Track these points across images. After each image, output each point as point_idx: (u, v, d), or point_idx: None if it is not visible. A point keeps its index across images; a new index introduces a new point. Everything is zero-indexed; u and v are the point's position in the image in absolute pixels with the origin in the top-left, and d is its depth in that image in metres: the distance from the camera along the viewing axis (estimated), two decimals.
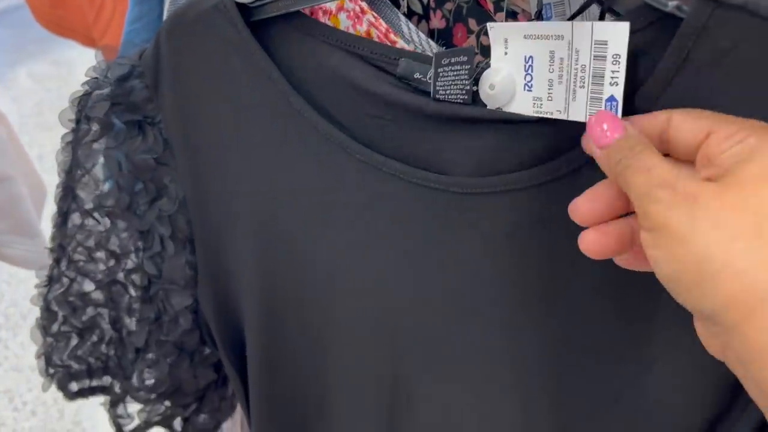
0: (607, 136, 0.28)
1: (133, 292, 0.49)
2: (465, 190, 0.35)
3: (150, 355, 0.51)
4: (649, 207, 0.26)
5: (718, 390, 0.34)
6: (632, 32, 0.29)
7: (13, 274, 1.80)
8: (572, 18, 0.36)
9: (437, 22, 0.48)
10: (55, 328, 0.51)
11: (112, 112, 0.45)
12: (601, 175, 0.29)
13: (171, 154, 0.45)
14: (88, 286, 0.50)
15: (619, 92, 0.29)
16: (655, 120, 0.28)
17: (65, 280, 0.50)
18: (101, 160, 0.46)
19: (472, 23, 0.46)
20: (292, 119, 0.39)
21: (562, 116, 0.30)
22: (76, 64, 2.44)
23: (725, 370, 0.28)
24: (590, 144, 0.29)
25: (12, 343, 1.61)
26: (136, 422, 0.54)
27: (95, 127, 0.45)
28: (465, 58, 0.32)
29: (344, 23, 0.42)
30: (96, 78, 0.45)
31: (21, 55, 2.52)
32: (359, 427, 0.46)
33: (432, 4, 0.47)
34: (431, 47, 0.37)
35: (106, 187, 0.47)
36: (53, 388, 0.55)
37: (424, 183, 0.36)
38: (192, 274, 0.48)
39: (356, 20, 0.41)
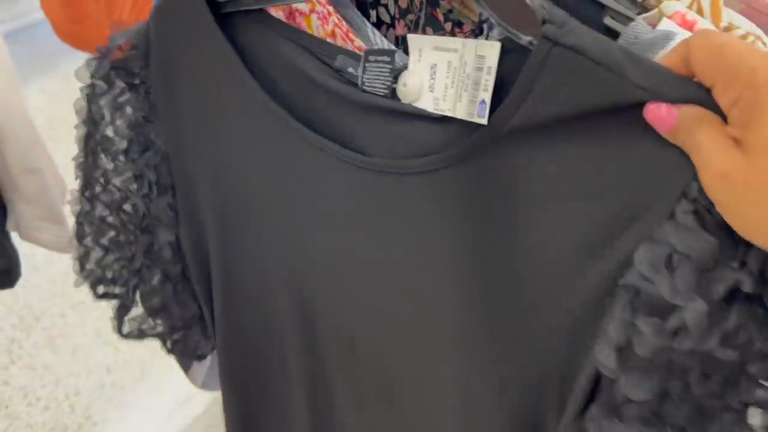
0: (664, 123, 0.33)
1: (133, 220, 0.60)
2: (381, 169, 0.43)
3: (144, 275, 0.62)
4: (703, 185, 0.32)
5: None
6: (507, 53, 0.37)
7: (27, 278, 1.90)
8: (476, 37, 0.47)
9: (401, 30, 0.57)
10: (86, 241, 0.62)
11: (115, 74, 0.54)
12: (490, 161, 0.39)
13: (156, 113, 0.55)
14: (104, 211, 0.61)
15: (488, 97, 0.38)
16: (681, 57, 0.33)
17: (87, 205, 0.61)
18: (105, 113, 0.56)
19: (429, 31, 0.55)
20: (246, 96, 0.47)
21: (452, 114, 0.40)
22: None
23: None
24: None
25: (26, 343, 1.71)
26: (132, 326, 0.66)
27: (103, 85, 0.55)
28: (388, 58, 0.41)
29: (315, 23, 0.52)
30: (107, 46, 0.55)
31: (34, 71, 2.67)
32: (307, 368, 0.55)
33: (397, 15, 0.56)
34: None
35: (110, 134, 0.57)
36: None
37: (349, 160, 0.44)
38: (173, 215, 0.58)
39: (324, 21, 0.51)
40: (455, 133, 0.41)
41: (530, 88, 0.37)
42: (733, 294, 0.34)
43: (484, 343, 0.45)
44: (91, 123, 0.57)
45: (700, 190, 0.33)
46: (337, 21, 0.50)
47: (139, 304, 0.65)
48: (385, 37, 0.54)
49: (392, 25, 0.58)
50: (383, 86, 0.41)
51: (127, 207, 0.60)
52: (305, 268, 0.52)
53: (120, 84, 0.55)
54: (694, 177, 0.34)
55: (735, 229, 0.33)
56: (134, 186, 0.58)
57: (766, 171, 0.29)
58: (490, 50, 0.38)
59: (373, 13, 0.58)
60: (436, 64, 0.41)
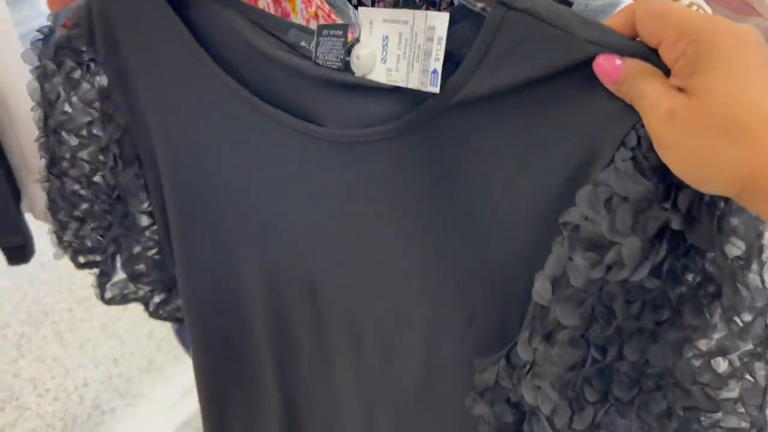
0: (611, 74, 0.35)
1: (106, 191, 0.61)
2: (336, 139, 0.44)
3: (122, 243, 0.63)
4: (648, 128, 0.35)
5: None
6: (461, 22, 0.39)
7: (35, 275, 1.97)
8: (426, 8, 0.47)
9: None
10: (60, 216, 0.63)
11: (61, 55, 0.54)
12: (446, 125, 0.41)
13: (111, 87, 0.55)
14: (76, 185, 0.61)
15: (439, 66, 0.39)
16: (625, 21, 0.36)
17: (56, 181, 0.61)
18: (59, 94, 0.56)
19: None
20: (198, 70, 0.48)
21: (404, 84, 0.41)
22: None
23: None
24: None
25: (35, 337, 1.77)
26: (114, 293, 0.68)
27: (51, 67, 0.55)
28: (341, 32, 0.42)
29: (299, 6, 0.52)
30: (49, 25, 0.54)
31: None
32: (272, 327, 0.57)
33: None
34: None
35: (68, 112, 0.57)
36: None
37: (305, 131, 0.45)
38: (143, 183, 0.59)
39: (308, 4, 0.51)
40: (409, 102, 0.42)
41: (485, 52, 0.38)
42: (662, 230, 0.37)
43: (447, 288, 0.48)
44: (47, 104, 0.57)
45: (639, 138, 0.36)
46: (319, 3, 0.51)
47: (119, 271, 0.67)
48: None
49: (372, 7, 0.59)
50: (337, 59, 0.42)
51: (97, 179, 0.60)
52: (264, 232, 0.53)
53: (69, 63, 0.55)
54: (633, 127, 0.37)
55: (671, 168, 0.35)
56: (102, 159, 0.59)
57: (707, 112, 0.33)
58: (439, 21, 0.39)
59: None
60: (387, 36, 0.42)
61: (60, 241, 0.65)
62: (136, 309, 0.73)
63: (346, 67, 0.43)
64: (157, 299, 0.71)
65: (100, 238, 0.65)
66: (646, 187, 0.36)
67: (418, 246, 0.47)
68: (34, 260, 1.17)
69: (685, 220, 0.37)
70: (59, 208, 0.63)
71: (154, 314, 0.72)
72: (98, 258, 0.66)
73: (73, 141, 0.59)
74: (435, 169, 0.44)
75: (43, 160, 0.61)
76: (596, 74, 0.36)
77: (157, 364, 1.70)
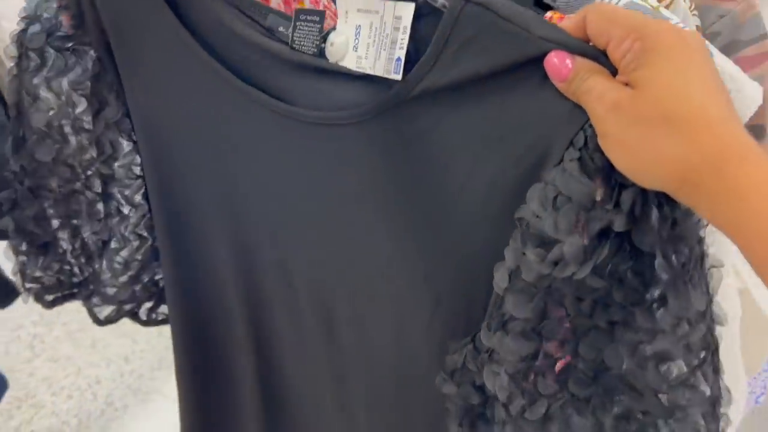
0: (561, 72, 0.37)
1: (89, 196, 0.59)
2: (309, 120, 0.46)
3: (114, 245, 0.61)
4: (594, 120, 0.36)
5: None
6: (425, 17, 0.41)
7: None
8: None
9: None
10: (24, 246, 0.60)
11: (49, 43, 0.53)
12: (408, 114, 0.43)
13: (105, 68, 0.55)
14: (48, 201, 0.58)
15: (403, 54, 0.42)
16: (577, 25, 0.37)
17: (28, 199, 0.58)
18: (45, 87, 0.54)
19: None
20: (181, 50, 0.49)
21: (371, 72, 0.43)
22: None
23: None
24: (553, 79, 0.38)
25: (48, 337, 1.80)
26: (109, 310, 0.66)
27: (35, 59, 0.53)
28: (317, 18, 0.44)
29: (308, 6, 0.55)
30: (28, 16, 0.53)
31: None
32: (249, 309, 0.59)
33: None
34: None
35: (54, 109, 0.54)
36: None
37: (279, 111, 0.47)
38: (140, 167, 0.59)
39: (316, 3, 0.54)
40: (377, 90, 0.44)
41: (444, 45, 0.40)
42: (607, 231, 0.38)
43: (413, 273, 0.50)
44: (26, 105, 0.55)
45: (586, 139, 0.38)
46: (326, 3, 0.54)
47: (109, 279, 0.64)
48: None
49: None
50: (312, 45, 0.45)
51: (77, 186, 0.58)
52: (239, 210, 0.55)
53: (53, 51, 0.53)
54: (581, 127, 0.38)
55: (613, 160, 0.37)
56: (93, 151, 0.57)
57: (649, 103, 0.34)
58: (406, 11, 0.42)
59: None
60: (360, 25, 0.44)
61: (24, 278, 0.61)
62: None
63: (321, 53, 0.45)
64: (148, 304, 0.68)
65: (69, 264, 0.61)
66: (589, 188, 0.37)
67: (382, 228, 0.49)
68: None
69: (628, 221, 0.38)
70: (24, 237, 0.60)
71: (149, 322, 0.70)
72: (68, 291, 0.64)
73: (56, 139, 0.56)
74: (400, 157, 0.46)
75: (15, 173, 0.57)
76: (547, 72, 0.38)
77: (167, 361, 1.72)
